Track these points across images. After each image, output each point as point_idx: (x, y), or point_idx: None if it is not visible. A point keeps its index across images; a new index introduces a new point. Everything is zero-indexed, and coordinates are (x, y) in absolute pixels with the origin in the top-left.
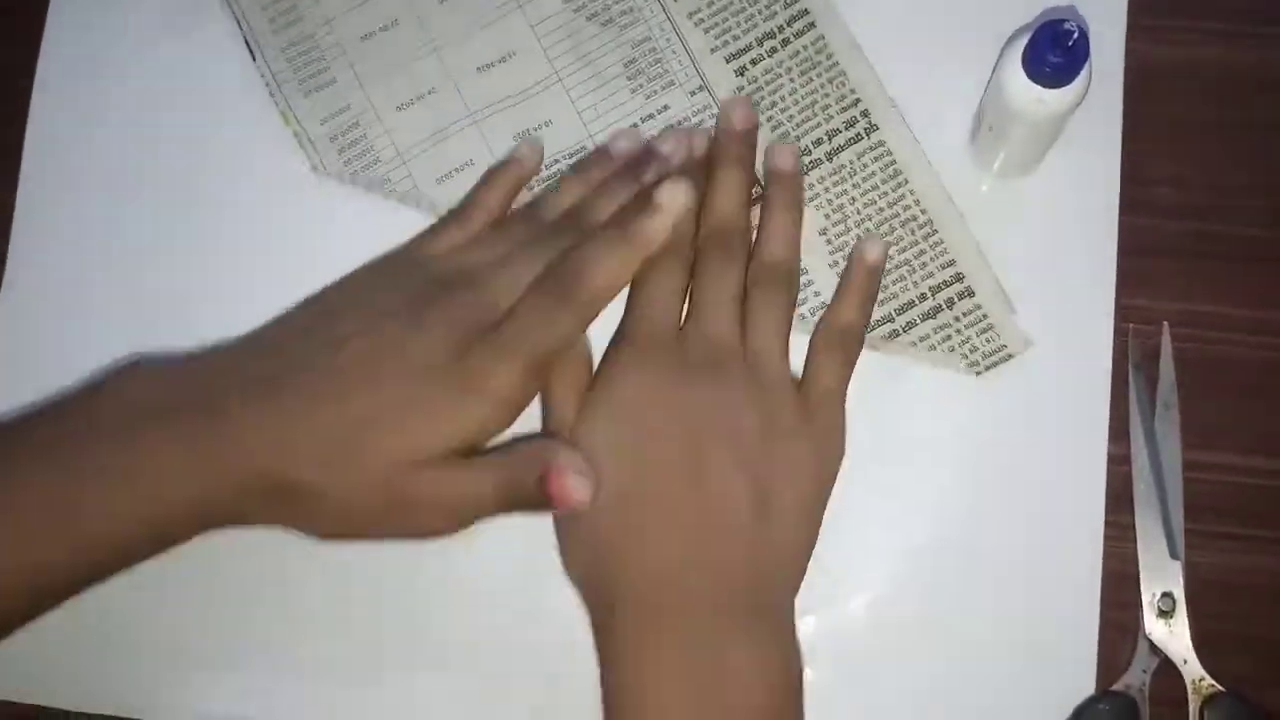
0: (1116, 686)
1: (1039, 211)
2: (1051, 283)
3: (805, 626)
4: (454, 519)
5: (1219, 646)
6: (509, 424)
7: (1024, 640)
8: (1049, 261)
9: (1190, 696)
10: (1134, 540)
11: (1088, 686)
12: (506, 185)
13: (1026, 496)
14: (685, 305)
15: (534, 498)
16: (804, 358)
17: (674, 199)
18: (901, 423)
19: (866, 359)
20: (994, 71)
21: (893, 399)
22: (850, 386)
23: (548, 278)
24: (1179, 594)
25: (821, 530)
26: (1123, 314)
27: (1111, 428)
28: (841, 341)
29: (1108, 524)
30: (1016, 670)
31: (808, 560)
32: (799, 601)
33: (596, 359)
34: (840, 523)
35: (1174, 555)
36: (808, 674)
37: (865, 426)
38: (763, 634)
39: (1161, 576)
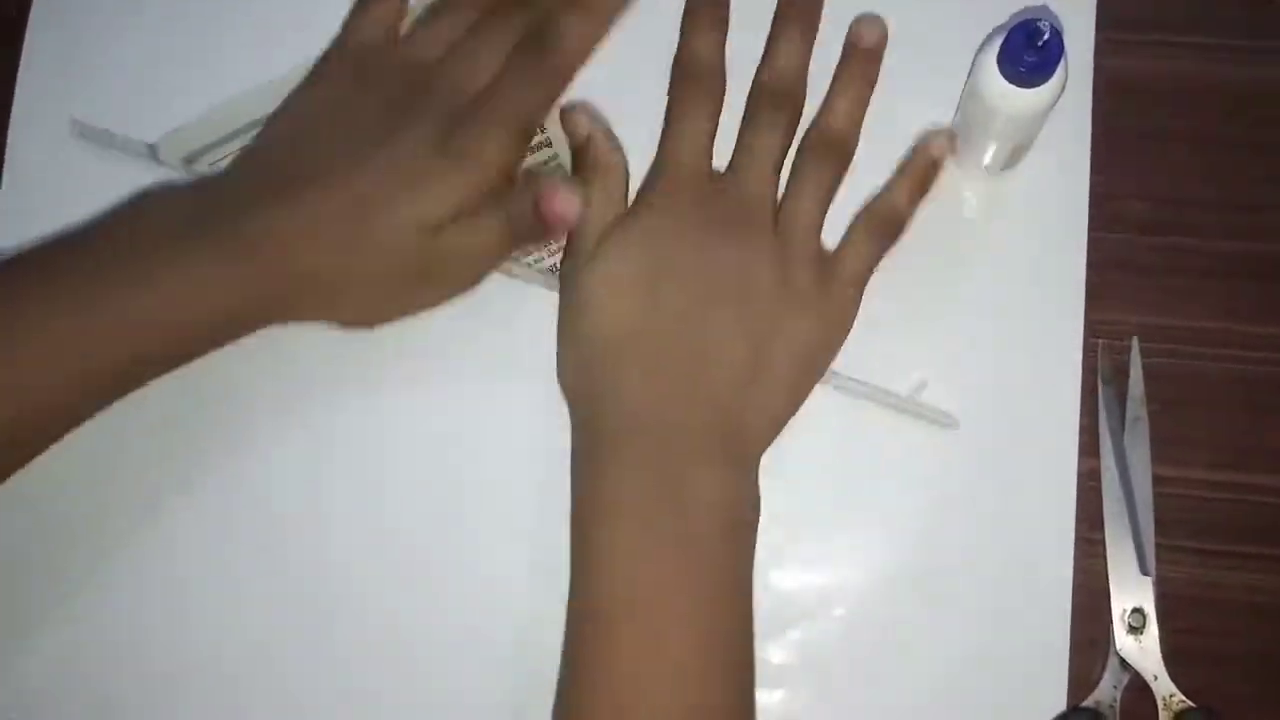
0: (1087, 702)
1: (1008, 226)
2: (1021, 297)
3: (778, 646)
4: (475, 268)
5: (1190, 662)
6: (506, 183)
7: (995, 656)
8: (1018, 276)
9: (1161, 712)
10: (1104, 555)
11: (1059, 702)
12: None
13: (997, 513)
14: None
15: (534, 225)
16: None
17: None
18: (872, 441)
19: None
20: (970, 72)
21: (864, 417)
22: (820, 407)
23: (523, 49)
24: (1149, 610)
25: (793, 548)
26: (1092, 328)
27: (1081, 443)
28: (882, 225)
29: (1078, 539)
30: (988, 686)
31: (785, 424)
32: (772, 619)
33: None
34: (812, 542)
35: (1144, 571)
36: (781, 693)
37: (836, 447)
38: (727, 474)
39: (1132, 592)
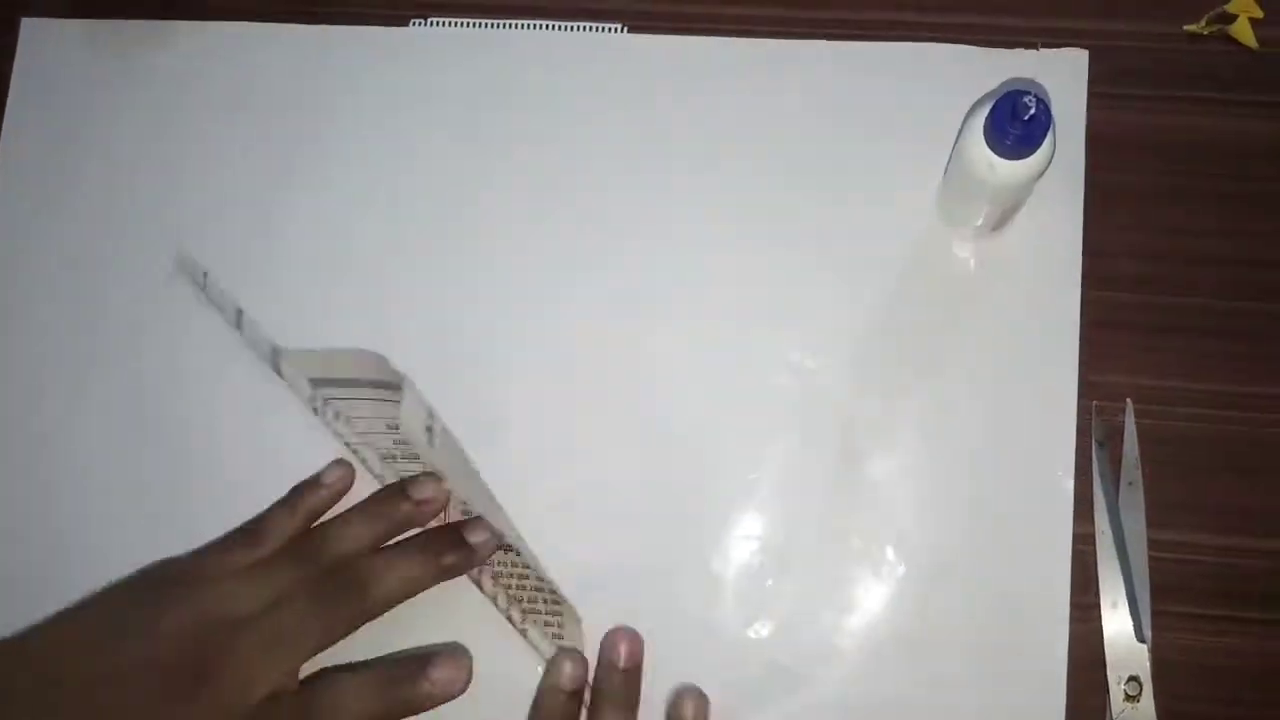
0: None
1: (1001, 287)
2: (1015, 360)
3: (770, 717)
4: None
5: None
6: None
7: None
8: (1012, 339)
9: None
10: (1100, 621)
11: None
12: (308, 508)
13: (991, 578)
14: None
15: None
16: None
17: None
18: (866, 509)
19: (836, 456)
20: (958, 136)
21: (856, 483)
22: (818, 475)
23: (308, 699)
24: (1146, 677)
25: (787, 618)
26: (1085, 390)
27: (1076, 507)
28: None
29: (1073, 605)
30: None
31: None
32: (764, 688)
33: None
34: (808, 611)
35: (1140, 638)
36: None
37: (830, 512)
38: None
39: (1128, 660)
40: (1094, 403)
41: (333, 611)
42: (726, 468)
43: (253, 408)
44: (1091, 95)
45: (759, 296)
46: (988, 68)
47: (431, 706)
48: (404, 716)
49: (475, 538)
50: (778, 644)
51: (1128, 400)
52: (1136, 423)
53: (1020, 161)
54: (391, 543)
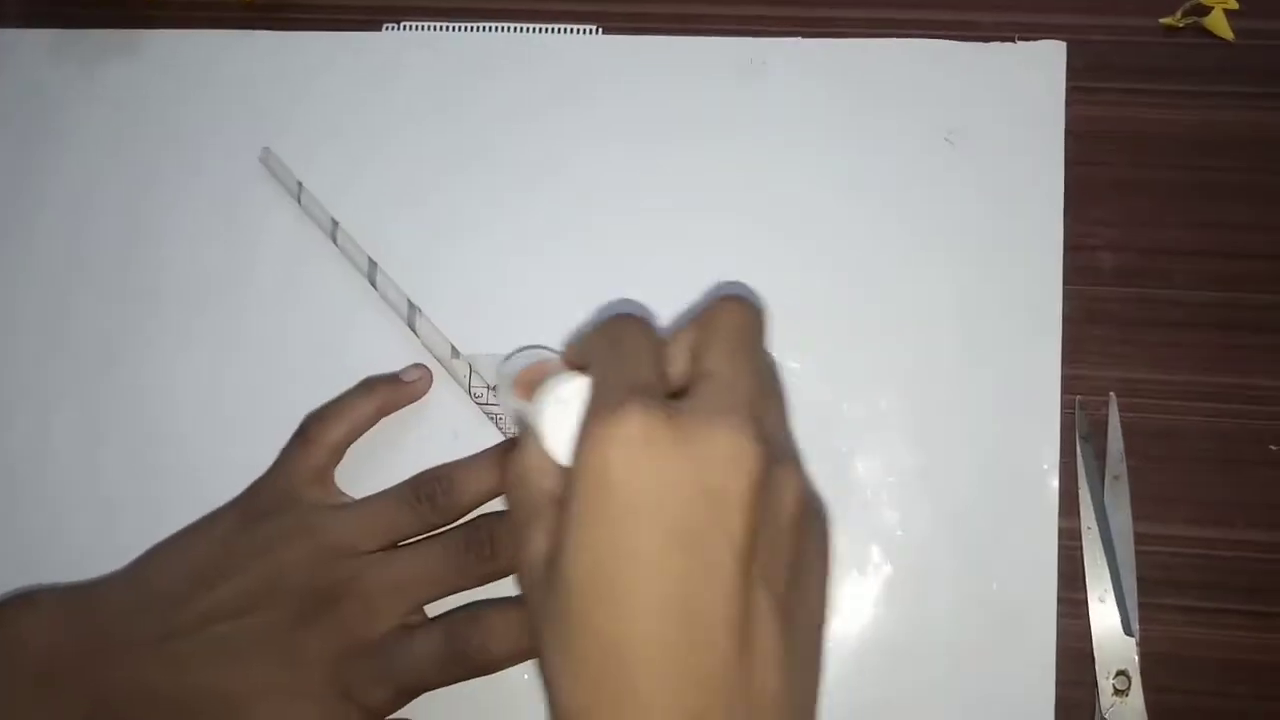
0: None
1: (981, 283)
2: (997, 357)
3: None
4: None
5: None
6: None
7: None
8: (993, 334)
9: None
10: (1087, 616)
11: None
12: (378, 402)
13: (977, 575)
14: None
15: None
16: None
17: None
18: (850, 507)
19: (819, 457)
20: None
21: (840, 483)
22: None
23: (447, 633)
24: (1134, 672)
25: None
26: (1068, 384)
27: (1062, 503)
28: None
29: (1060, 600)
30: None
31: None
32: None
33: None
34: None
35: (1128, 632)
36: None
37: None
38: None
39: (1116, 654)
40: (1077, 397)
41: (468, 569)
42: None
43: (244, 413)
44: (1070, 89)
45: None
46: (965, 62)
47: None
48: None
49: None
50: None
51: (1111, 394)
52: (1121, 416)
53: None
54: None
